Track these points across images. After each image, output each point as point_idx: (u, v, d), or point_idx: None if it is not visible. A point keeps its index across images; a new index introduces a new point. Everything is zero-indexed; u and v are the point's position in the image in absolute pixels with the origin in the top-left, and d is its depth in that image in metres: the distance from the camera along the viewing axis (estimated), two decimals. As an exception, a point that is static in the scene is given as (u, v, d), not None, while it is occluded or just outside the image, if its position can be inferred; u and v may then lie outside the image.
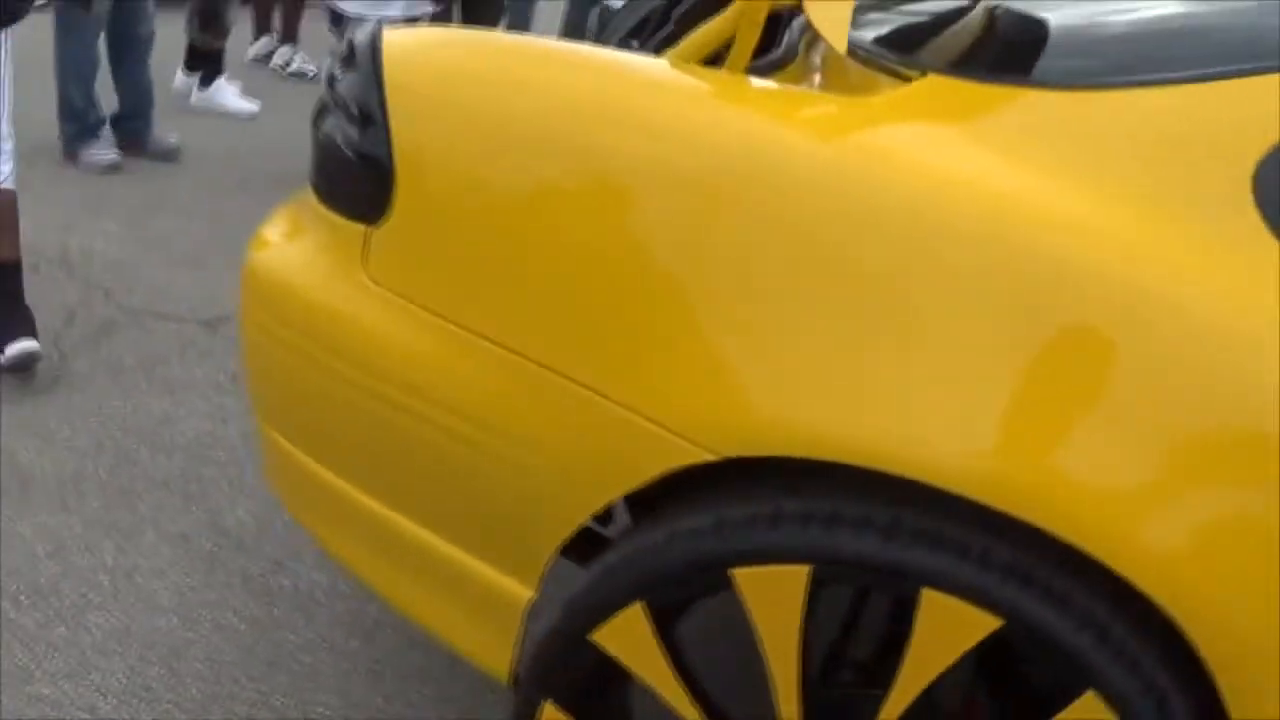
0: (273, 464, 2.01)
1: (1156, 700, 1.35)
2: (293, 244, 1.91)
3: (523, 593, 1.66)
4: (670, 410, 1.47)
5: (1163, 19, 1.74)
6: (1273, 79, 1.38)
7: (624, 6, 2.59)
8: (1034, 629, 1.36)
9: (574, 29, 6.53)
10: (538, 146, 1.60)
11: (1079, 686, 1.36)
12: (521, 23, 7.34)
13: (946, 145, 1.51)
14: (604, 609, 1.55)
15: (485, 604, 1.70)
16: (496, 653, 1.72)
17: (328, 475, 1.84)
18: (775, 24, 2.03)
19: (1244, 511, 1.30)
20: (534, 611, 1.65)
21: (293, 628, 2.44)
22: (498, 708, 2.13)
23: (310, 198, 1.85)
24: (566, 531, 1.59)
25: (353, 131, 1.71)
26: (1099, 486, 1.31)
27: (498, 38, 1.96)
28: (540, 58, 1.73)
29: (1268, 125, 1.35)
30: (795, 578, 1.44)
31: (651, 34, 2.14)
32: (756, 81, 1.78)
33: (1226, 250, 1.34)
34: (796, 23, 1.98)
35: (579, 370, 1.53)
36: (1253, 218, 1.34)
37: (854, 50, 1.71)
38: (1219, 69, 1.44)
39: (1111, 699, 1.36)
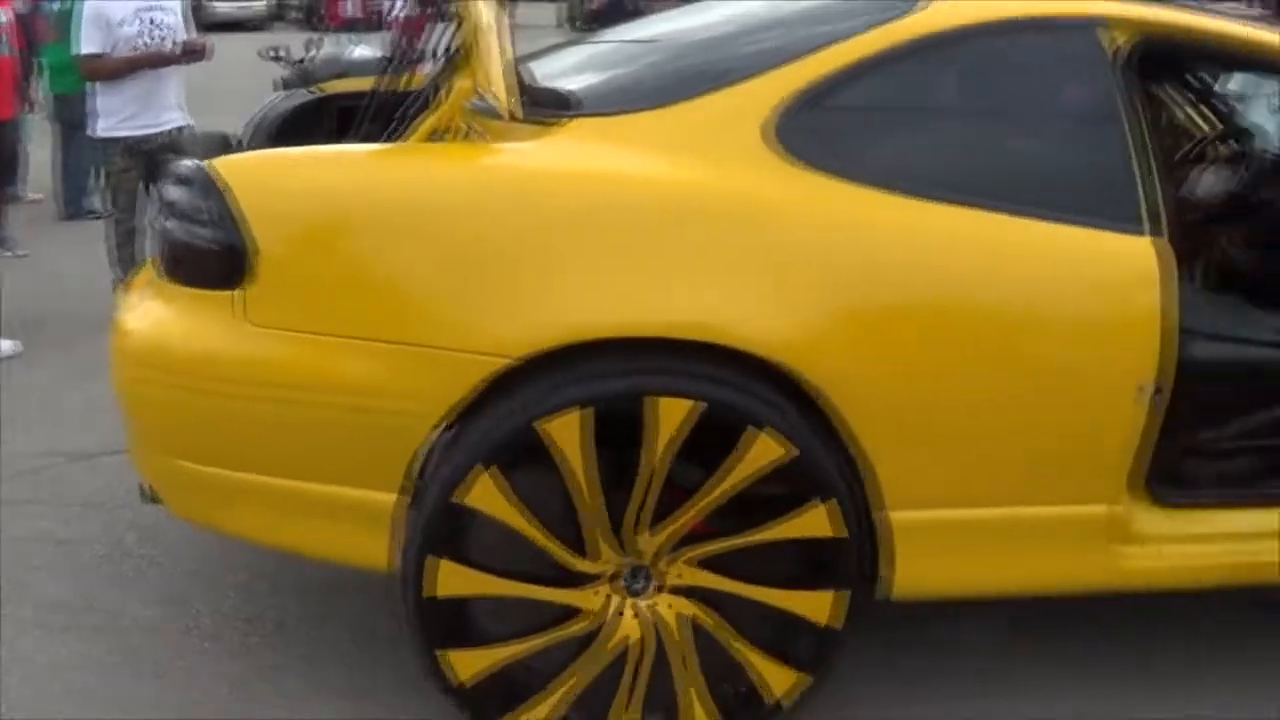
0: (170, 483, 2.75)
1: (796, 431, 2.46)
2: (157, 320, 2.70)
3: (389, 498, 2.54)
4: (481, 342, 2.43)
5: (676, 58, 2.92)
6: (753, 81, 2.57)
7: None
8: (725, 405, 2.43)
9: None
10: (353, 216, 2.54)
11: (755, 430, 2.44)
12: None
13: (586, 153, 2.60)
14: (465, 480, 2.47)
15: (363, 517, 2.56)
16: (375, 552, 2.58)
17: (223, 471, 2.63)
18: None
19: (853, 327, 2.45)
20: (411, 504, 2.54)
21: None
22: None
23: (165, 285, 2.66)
24: (419, 443, 2.49)
25: (205, 232, 2.55)
26: (765, 319, 2.41)
27: (311, 152, 2.81)
28: (338, 157, 2.67)
29: (759, 109, 2.53)
30: (579, 420, 2.43)
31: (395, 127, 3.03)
32: (463, 146, 2.78)
33: (755, 173, 2.50)
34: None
35: (418, 336, 2.46)
36: (768, 153, 2.51)
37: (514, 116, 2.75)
38: (728, 80, 2.62)
39: (777, 432, 2.45)
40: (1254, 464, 3.08)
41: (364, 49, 5.51)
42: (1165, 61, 3.64)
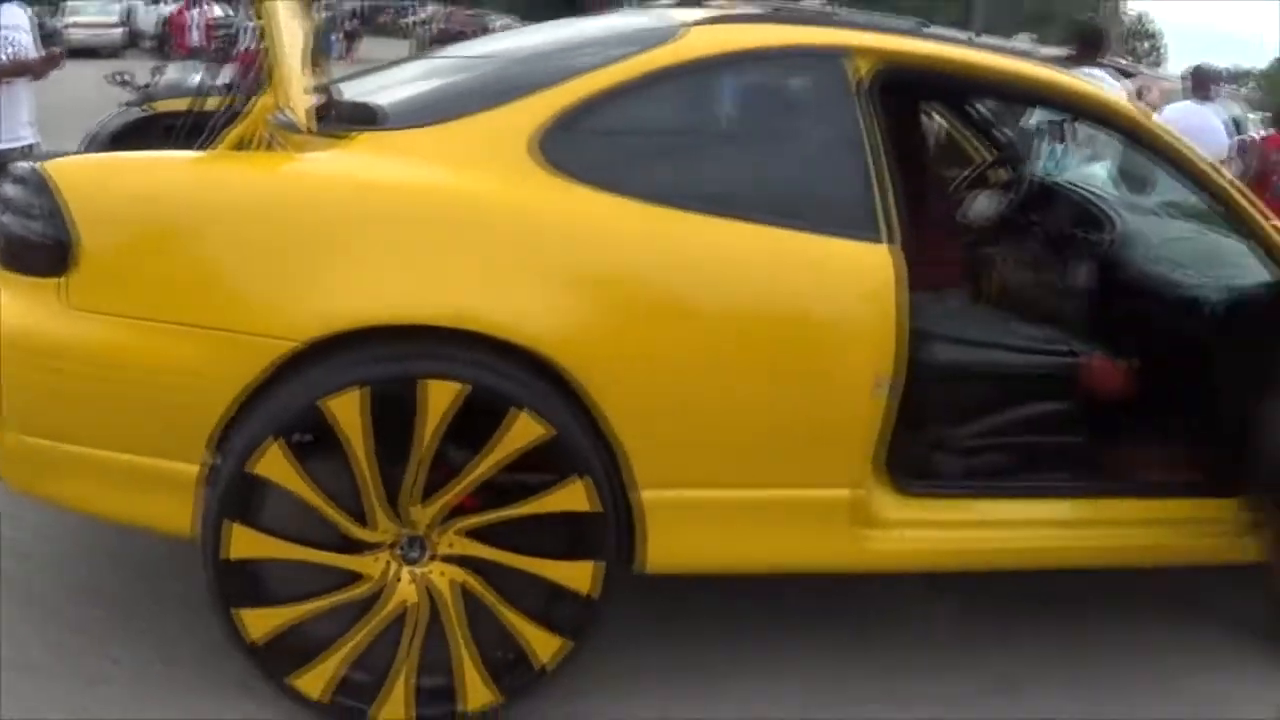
0: (7, 459, 3.00)
1: (554, 413, 2.76)
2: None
3: (192, 469, 2.81)
4: (272, 327, 2.72)
5: (466, 78, 3.29)
6: (523, 101, 2.91)
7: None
8: (489, 389, 2.73)
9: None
10: (163, 214, 2.83)
11: (515, 411, 2.74)
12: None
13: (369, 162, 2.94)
14: (256, 451, 2.75)
15: (170, 486, 2.82)
16: (181, 518, 2.84)
17: (49, 443, 2.89)
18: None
19: (604, 320, 2.77)
20: (210, 473, 2.81)
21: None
22: None
23: (1, 273, 2.93)
24: (219, 417, 2.77)
25: (36, 225, 2.83)
26: (524, 311, 2.73)
27: (130, 156, 3.12)
28: (152, 162, 2.97)
29: (526, 126, 2.86)
30: (358, 399, 2.72)
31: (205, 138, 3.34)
32: (262, 155, 3.07)
33: (520, 183, 2.82)
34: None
35: (218, 321, 2.75)
36: (533, 166, 2.83)
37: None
38: (503, 99, 2.95)
39: (535, 414, 2.75)
40: (992, 460, 3.43)
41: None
42: (943, 91, 4.04)
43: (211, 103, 3.45)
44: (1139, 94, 9.27)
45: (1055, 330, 3.84)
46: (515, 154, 2.86)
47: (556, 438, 2.78)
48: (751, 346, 2.92)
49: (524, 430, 2.76)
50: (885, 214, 3.02)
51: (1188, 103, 7.77)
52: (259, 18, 2.90)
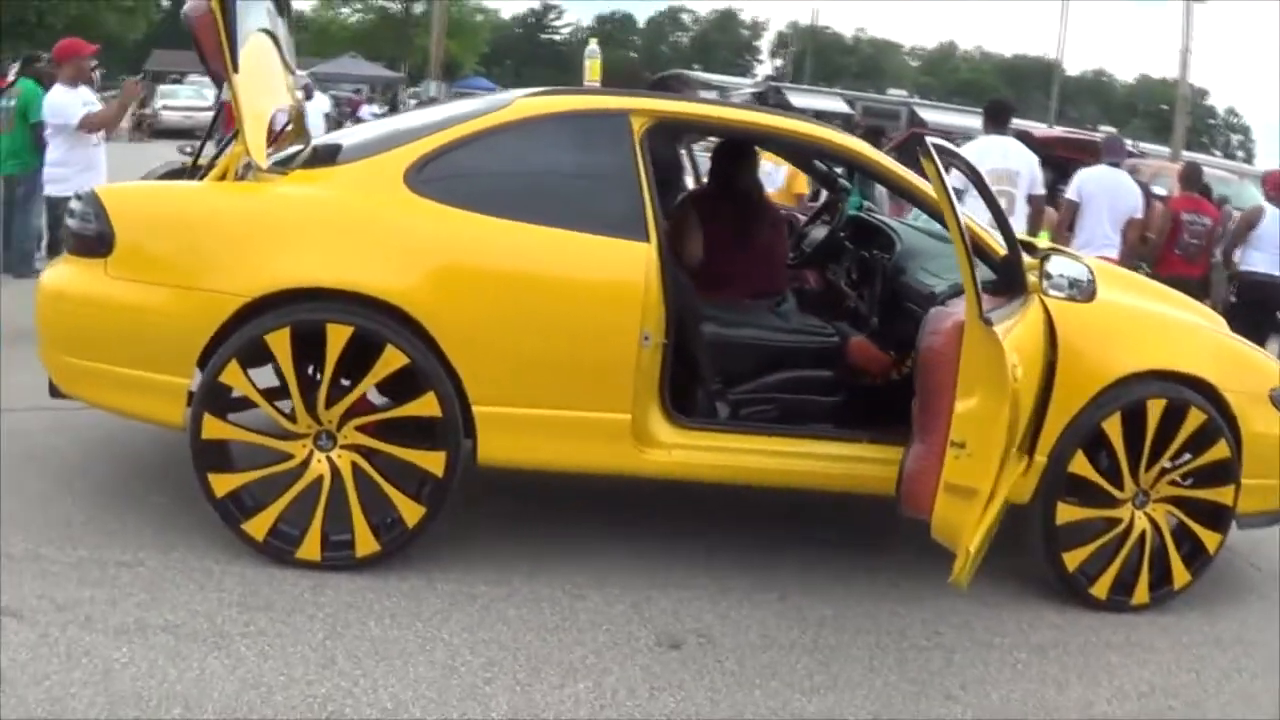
0: (62, 373, 4.55)
1: (411, 347, 4.21)
2: (61, 277, 4.53)
3: (185, 381, 4.32)
4: (235, 288, 4.23)
5: (380, 133, 4.82)
6: (402, 148, 4.43)
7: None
8: (368, 330, 4.20)
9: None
10: (169, 219, 4.40)
11: (385, 345, 4.20)
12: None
13: (299, 188, 4.45)
14: (223, 366, 4.25)
15: (169, 392, 4.32)
16: (175, 415, 4.34)
17: (91, 363, 4.42)
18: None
19: (445, 287, 4.27)
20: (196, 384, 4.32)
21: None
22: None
23: (69, 257, 4.50)
24: (202, 346, 4.27)
25: (90, 225, 4.39)
26: (390, 280, 4.21)
27: (148, 184, 4.73)
28: (165, 188, 4.57)
29: (402, 164, 4.37)
30: (288, 335, 4.20)
31: (201, 174, 4.91)
32: (234, 184, 4.60)
33: (394, 201, 4.34)
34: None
35: (203, 284, 4.25)
36: (404, 190, 4.34)
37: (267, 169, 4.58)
38: (390, 147, 4.47)
39: (398, 347, 4.20)
40: (753, 410, 4.81)
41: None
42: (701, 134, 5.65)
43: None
44: (1133, 171, 10.55)
45: (839, 321, 5.22)
46: (393, 182, 4.36)
47: (413, 364, 4.21)
48: (552, 309, 4.33)
49: (391, 358, 4.20)
50: (651, 222, 4.42)
51: (1103, 166, 8.99)
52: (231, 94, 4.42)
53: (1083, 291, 4.37)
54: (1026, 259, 4.44)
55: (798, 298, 5.56)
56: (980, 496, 3.68)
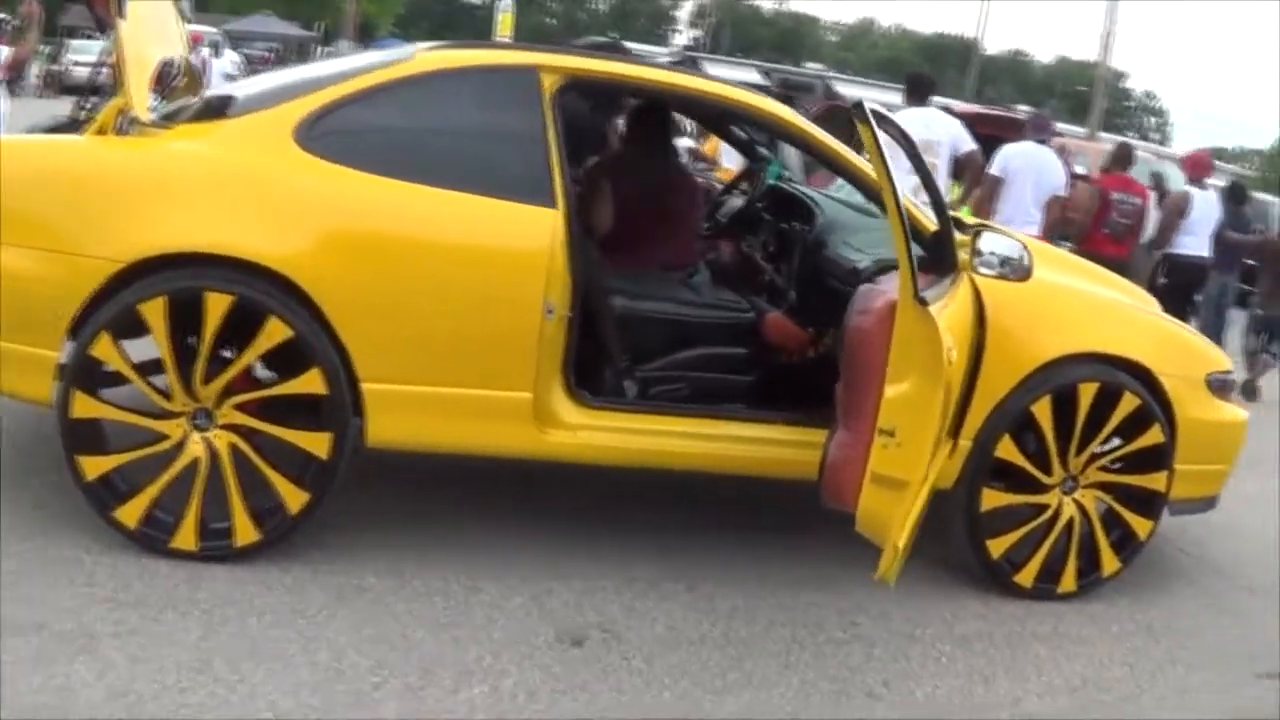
0: None
1: (296, 319, 3.87)
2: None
3: (54, 354, 3.94)
4: (107, 253, 3.86)
5: (273, 87, 4.41)
6: (291, 103, 4.06)
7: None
8: (250, 300, 3.85)
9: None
10: (46, 175, 3.98)
11: (268, 315, 3.86)
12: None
13: (181, 143, 4.07)
14: (93, 340, 3.88)
15: (39, 367, 3.94)
16: (45, 390, 3.96)
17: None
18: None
19: (333, 253, 3.91)
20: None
21: None
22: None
23: None
24: (73, 316, 3.89)
25: None
26: (273, 244, 3.86)
27: (21, 139, 4.28)
28: (43, 142, 4.19)
29: (291, 119, 4.00)
30: (162, 305, 3.85)
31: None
32: (116, 139, 4.21)
33: (281, 158, 3.97)
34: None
35: (75, 248, 3.86)
36: (293, 148, 3.98)
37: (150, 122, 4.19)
38: (272, 104, 4.11)
39: (282, 319, 3.86)
40: (663, 388, 4.53)
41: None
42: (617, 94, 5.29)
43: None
44: (1061, 150, 10.44)
45: (753, 296, 4.95)
46: (282, 139, 4.00)
47: (298, 338, 3.88)
48: (449, 278, 4.01)
49: (274, 331, 3.87)
50: (559, 187, 4.11)
51: (1029, 142, 8.85)
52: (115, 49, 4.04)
53: (1015, 270, 4.15)
54: (958, 235, 4.21)
55: (711, 270, 5.28)
56: (911, 489, 3.44)
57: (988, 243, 4.12)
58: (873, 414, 3.53)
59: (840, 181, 5.64)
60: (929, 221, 4.25)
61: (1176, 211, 9.64)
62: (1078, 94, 64.31)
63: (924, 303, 3.48)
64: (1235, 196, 11.08)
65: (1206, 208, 9.94)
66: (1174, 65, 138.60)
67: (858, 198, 5.21)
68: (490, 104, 4.22)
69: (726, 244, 5.73)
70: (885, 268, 4.54)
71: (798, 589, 4.42)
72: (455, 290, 4.02)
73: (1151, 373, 4.56)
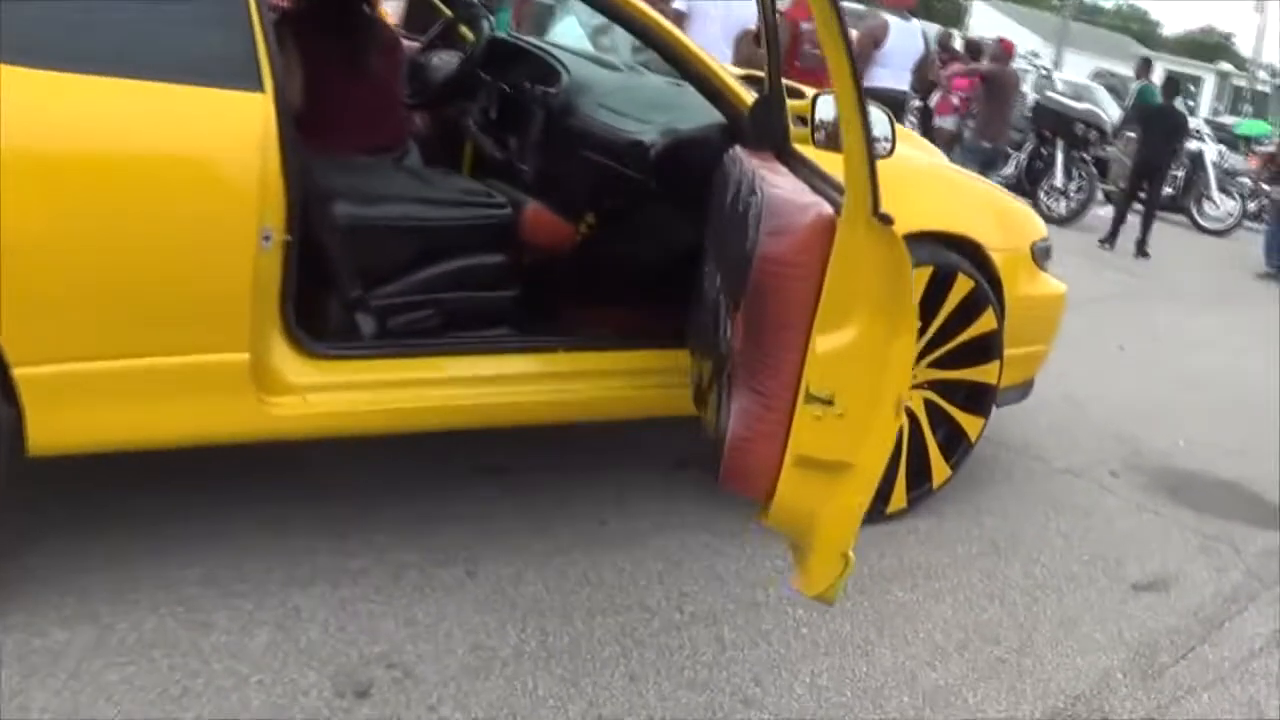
0: None
1: None
2: None
3: None
4: None
5: None
6: None
7: None
8: None
9: None
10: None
11: None
12: None
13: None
14: None
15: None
16: None
17: None
18: None
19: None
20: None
21: None
22: None
23: None
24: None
25: None
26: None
27: None
28: None
29: None
30: None
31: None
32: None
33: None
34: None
35: None
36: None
37: None
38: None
39: None
40: (413, 317, 3.43)
41: None
42: None
43: None
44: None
45: (497, 183, 3.88)
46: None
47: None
48: (125, 206, 2.70)
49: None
50: (266, 61, 2.87)
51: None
52: None
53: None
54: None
55: (422, 151, 4.17)
56: (857, 472, 2.57)
57: (827, 108, 3.23)
58: (793, 373, 2.58)
59: (559, 28, 4.61)
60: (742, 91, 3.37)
61: (870, 42, 9.01)
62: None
63: (887, 221, 2.56)
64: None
65: (905, 39, 9.42)
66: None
67: (587, 45, 4.22)
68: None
69: (423, 116, 4.55)
70: (681, 140, 3.64)
71: (591, 547, 3.53)
72: (135, 222, 2.72)
73: (983, 249, 3.88)
